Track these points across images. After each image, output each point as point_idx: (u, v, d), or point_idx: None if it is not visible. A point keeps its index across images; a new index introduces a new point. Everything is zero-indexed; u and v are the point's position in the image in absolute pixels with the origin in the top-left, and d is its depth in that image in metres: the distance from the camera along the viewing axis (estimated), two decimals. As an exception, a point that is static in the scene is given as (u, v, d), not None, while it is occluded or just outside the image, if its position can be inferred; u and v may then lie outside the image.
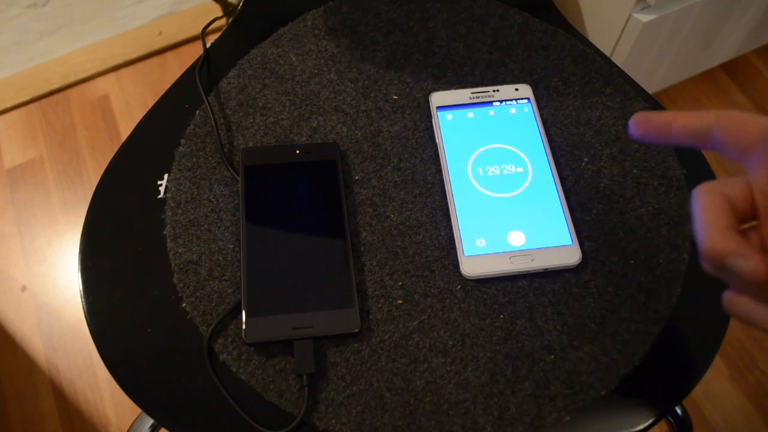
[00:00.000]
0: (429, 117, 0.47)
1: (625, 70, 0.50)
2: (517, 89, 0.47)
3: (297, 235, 0.41)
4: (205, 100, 0.47)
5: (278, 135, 0.46)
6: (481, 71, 0.49)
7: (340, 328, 0.38)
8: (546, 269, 0.40)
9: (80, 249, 0.42)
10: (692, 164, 0.45)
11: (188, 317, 0.39)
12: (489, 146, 0.45)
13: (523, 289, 0.40)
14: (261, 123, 0.47)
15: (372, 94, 0.48)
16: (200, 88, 0.48)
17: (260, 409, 0.37)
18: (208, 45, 0.51)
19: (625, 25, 0.75)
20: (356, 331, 0.38)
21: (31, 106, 1.18)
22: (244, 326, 0.38)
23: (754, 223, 0.25)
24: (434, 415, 0.36)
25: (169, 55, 1.22)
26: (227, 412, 0.37)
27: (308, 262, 0.40)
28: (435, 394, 0.37)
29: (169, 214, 0.43)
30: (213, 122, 0.46)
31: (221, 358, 0.38)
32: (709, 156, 1.06)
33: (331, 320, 0.38)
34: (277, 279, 0.39)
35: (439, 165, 0.45)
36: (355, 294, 0.39)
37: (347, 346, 0.38)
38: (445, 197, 0.43)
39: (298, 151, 0.44)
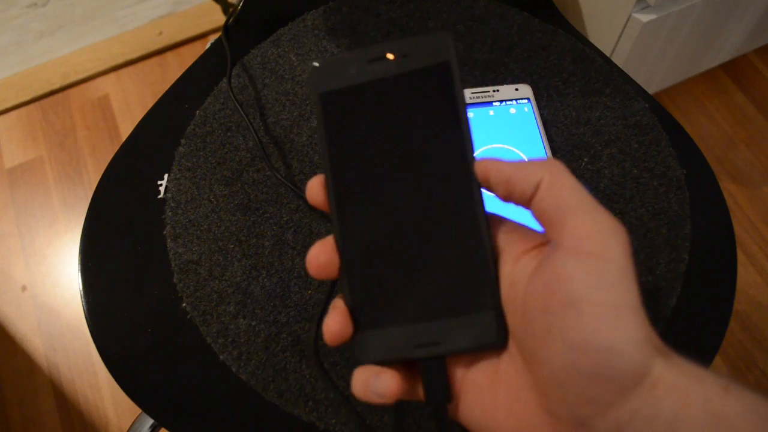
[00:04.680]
0: (429, 117, 0.47)
1: (625, 70, 0.50)
2: (517, 89, 0.47)
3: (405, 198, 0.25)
4: (233, 98, 0.47)
5: (278, 135, 0.46)
6: (481, 71, 0.49)
7: (476, 340, 0.23)
8: (546, 269, 0.40)
9: (80, 249, 0.42)
10: (692, 164, 0.45)
11: (188, 317, 0.39)
12: (489, 146, 0.45)
13: (523, 289, 0.40)
14: (261, 123, 0.47)
15: (372, 94, 0.48)
16: (232, 94, 0.47)
17: (260, 408, 0.37)
18: (207, 45, 0.51)
19: (625, 25, 0.75)
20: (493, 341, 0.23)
21: (31, 106, 1.18)
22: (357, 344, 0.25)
23: None
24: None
25: (169, 55, 1.22)
26: (227, 412, 0.37)
27: (427, 246, 0.25)
28: (435, 394, 0.37)
29: (169, 214, 0.43)
30: (242, 114, 0.46)
31: (221, 358, 0.38)
32: (709, 156, 1.06)
33: (464, 330, 0.24)
34: (389, 271, 0.24)
35: (439, 165, 0.45)
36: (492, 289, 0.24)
37: (347, 345, 0.38)
38: (445, 197, 0.43)
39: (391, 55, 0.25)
